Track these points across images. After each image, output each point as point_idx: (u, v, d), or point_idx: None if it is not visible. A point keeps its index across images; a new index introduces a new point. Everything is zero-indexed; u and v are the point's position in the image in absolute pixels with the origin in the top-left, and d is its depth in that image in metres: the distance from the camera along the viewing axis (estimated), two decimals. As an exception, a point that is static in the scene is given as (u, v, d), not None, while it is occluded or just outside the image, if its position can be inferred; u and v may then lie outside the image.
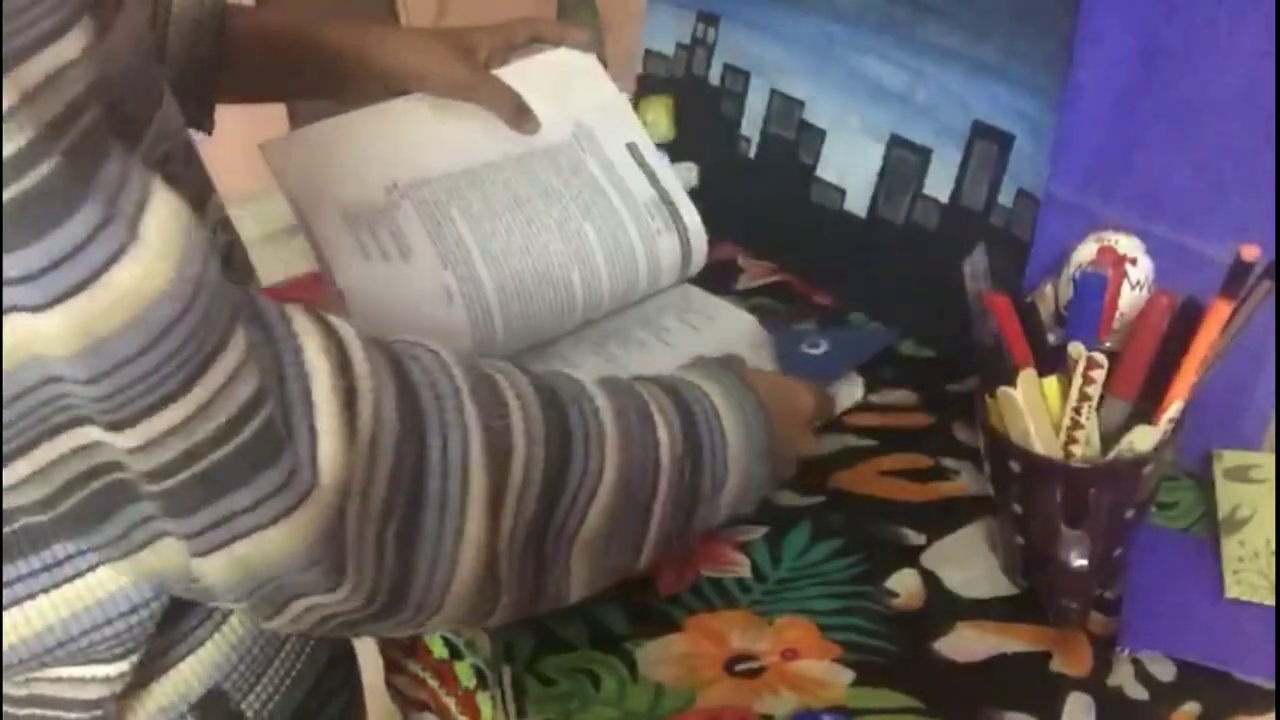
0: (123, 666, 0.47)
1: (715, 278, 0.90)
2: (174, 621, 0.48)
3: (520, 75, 0.80)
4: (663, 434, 0.53)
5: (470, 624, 0.49)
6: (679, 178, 0.85)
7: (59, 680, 0.47)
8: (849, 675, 0.58)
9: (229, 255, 0.56)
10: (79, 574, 0.45)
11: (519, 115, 0.79)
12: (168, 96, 0.47)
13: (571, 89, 0.83)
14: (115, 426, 0.35)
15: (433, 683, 0.83)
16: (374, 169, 0.75)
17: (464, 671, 0.76)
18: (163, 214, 0.35)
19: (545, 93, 0.81)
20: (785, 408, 0.61)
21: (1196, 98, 0.65)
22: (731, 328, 0.81)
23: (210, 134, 0.79)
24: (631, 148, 0.83)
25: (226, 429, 0.36)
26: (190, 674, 0.50)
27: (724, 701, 0.58)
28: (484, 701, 0.75)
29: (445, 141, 0.78)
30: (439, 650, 0.79)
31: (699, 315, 0.84)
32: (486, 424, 0.44)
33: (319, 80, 0.77)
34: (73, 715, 0.47)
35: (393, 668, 0.88)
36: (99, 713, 0.47)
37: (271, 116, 0.73)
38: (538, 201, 0.78)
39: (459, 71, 0.76)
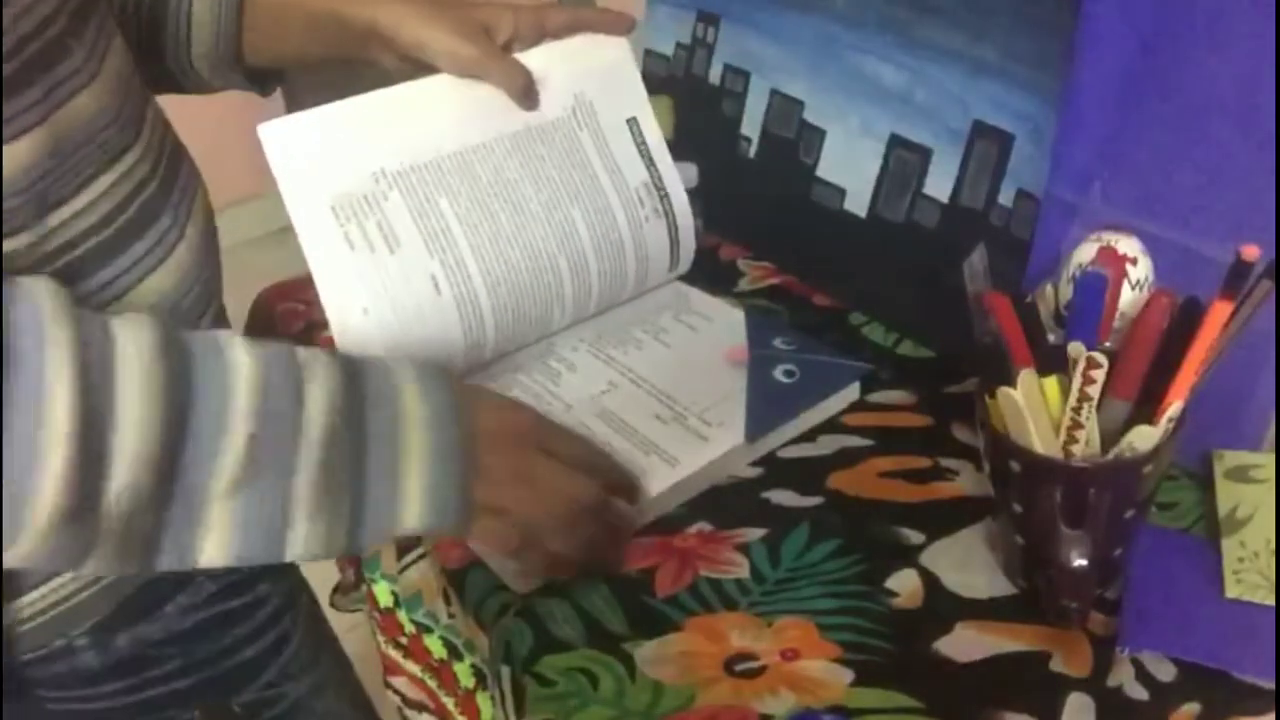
0: None
1: (715, 278, 0.90)
2: None
3: (535, 53, 0.78)
4: (314, 404, 0.50)
5: (58, 567, 0.49)
6: (680, 176, 0.85)
7: None
8: (848, 675, 0.58)
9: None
10: None
11: (526, 95, 0.77)
12: None
13: (579, 55, 0.80)
14: None
15: (432, 683, 0.83)
16: (365, 155, 0.73)
17: (463, 672, 0.76)
18: None
19: (550, 59, 0.78)
20: (503, 417, 0.58)
21: (1196, 97, 0.64)
22: (729, 329, 0.81)
23: (267, 95, 0.81)
24: (632, 124, 0.81)
25: None
26: None
27: (723, 701, 0.58)
28: (483, 702, 0.75)
29: (439, 123, 0.76)
30: (438, 651, 0.79)
31: (696, 315, 0.83)
32: (80, 361, 0.44)
33: (326, 48, 0.76)
34: None
35: (392, 669, 0.88)
36: None
37: (271, 113, 0.72)
38: (526, 186, 0.77)
39: (464, 47, 0.74)
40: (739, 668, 0.59)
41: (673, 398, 0.75)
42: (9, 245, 0.50)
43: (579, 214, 0.77)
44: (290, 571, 0.76)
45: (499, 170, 0.77)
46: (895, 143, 0.84)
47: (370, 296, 0.72)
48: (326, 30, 0.74)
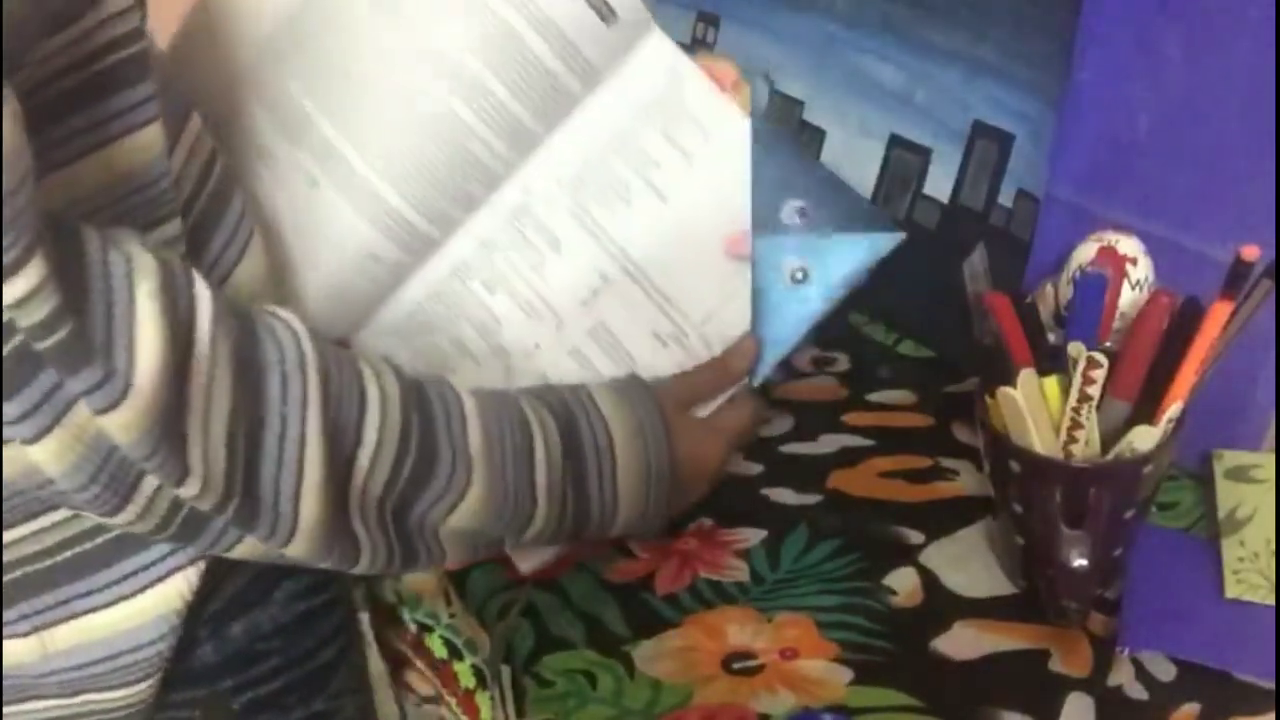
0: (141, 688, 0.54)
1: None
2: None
3: None
4: (540, 457, 0.55)
5: (339, 566, 0.52)
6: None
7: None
8: (848, 674, 0.58)
9: (207, 171, 0.57)
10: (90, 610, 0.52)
11: None
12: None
13: None
14: None
15: (435, 681, 0.83)
16: (221, 68, 0.63)
17: (464, 672, 0.76)
18: None
19: None
20: (694, 452, 0.61)
21: (1196, 98, 0.65)
22: (730, 155, 0.63)
23: None
24: None
25: (27, 343, 0.40)
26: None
27: (722, 700, 0.58)
28: (483, 702, 0.75)
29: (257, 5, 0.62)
30: (439, 650, 0.79)
31: (691, 127, 0.64)
32: (331, 409, 0.49)
33: None
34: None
35: (401, 662, 0.88)
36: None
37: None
38: (370, 23, 0.61)
39: None
40: (737, 666, 0.59)
41: (669, 298, 0.64)
42: (165, 233, 0.50)
43: (444, 29, 0.60)
44: (349, 579, 0.75)
45: (334, 19, 0.62)
46: (895, 143, 0.84)
47: (266, 218, 0.62)
48: None
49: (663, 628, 0.62)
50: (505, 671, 0.62)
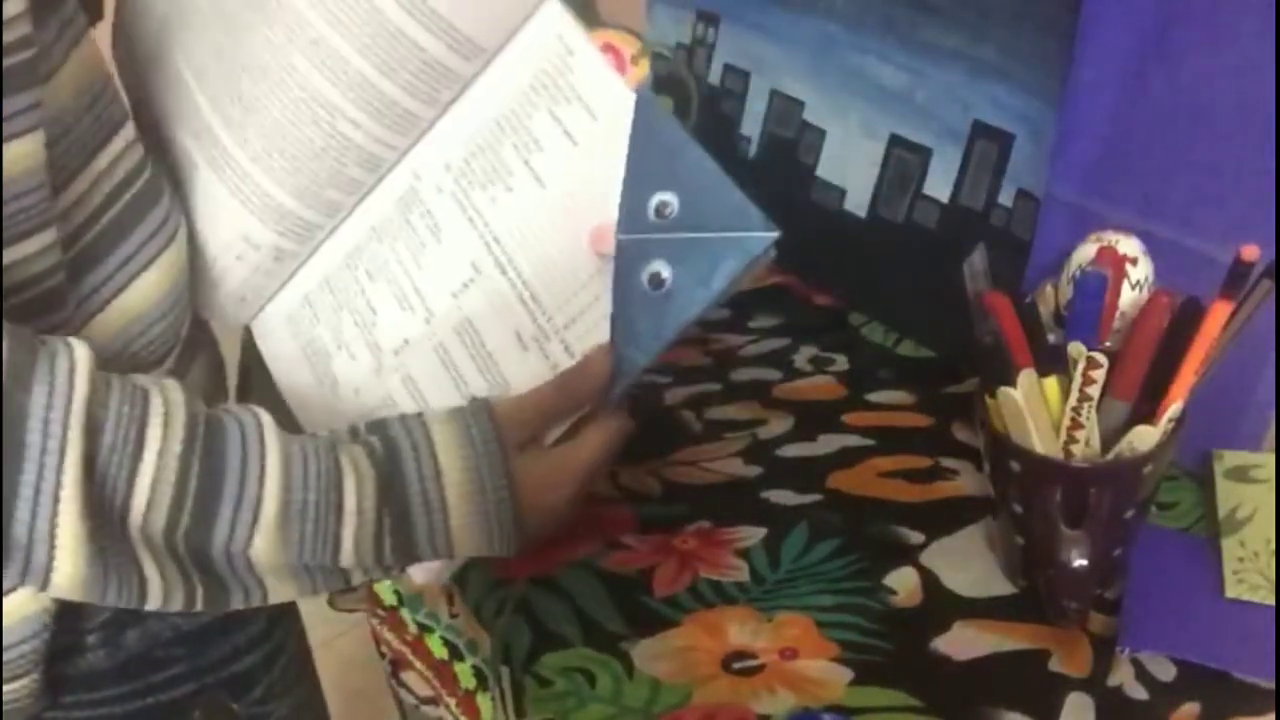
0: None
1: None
2: None
3: None
4: (349, 479, 0.53)
5: (126, 604, 0.50)
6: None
7: None
8: (847, 674, 0.58)
9: (130, 181, 0.57)
10: None
11: None
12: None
13: None
14: None
15: (435, 682, 0.83)
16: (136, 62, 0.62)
17: (464, 673, 0.76)
18: None
19: None
20: (537, 483, 0.58)
21: (1196, 98, 0.64)
22: (612, 138, 0.58)
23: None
24: None
25: None
26: None
27: (721, 700, 0.58)
28: (483, 702, 0.75)
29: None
30: (439, 651, 0.79)
31: (578, 105, 0.59)
32: (96, 458, 0.47)
33: None
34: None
35: (402, 664, 0.88)
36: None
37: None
38: (240, 17, 0.59)
39: None
40: (737, 666, 0.59)
41: (535, 296, 0.60)
42: (20, 251, 0.50)
43: (309, 13, 0.56)
44: None
45: (207, 10, 0.60)
46: (895, 143, 0.84)
47: (162, 212, 0.61)
48: None
49: (662, 627, 0.62)
50: (504, 672, 0.62)
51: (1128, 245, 0.62)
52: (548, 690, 0.59)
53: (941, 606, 0.62)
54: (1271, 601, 0.58)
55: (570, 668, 0.60)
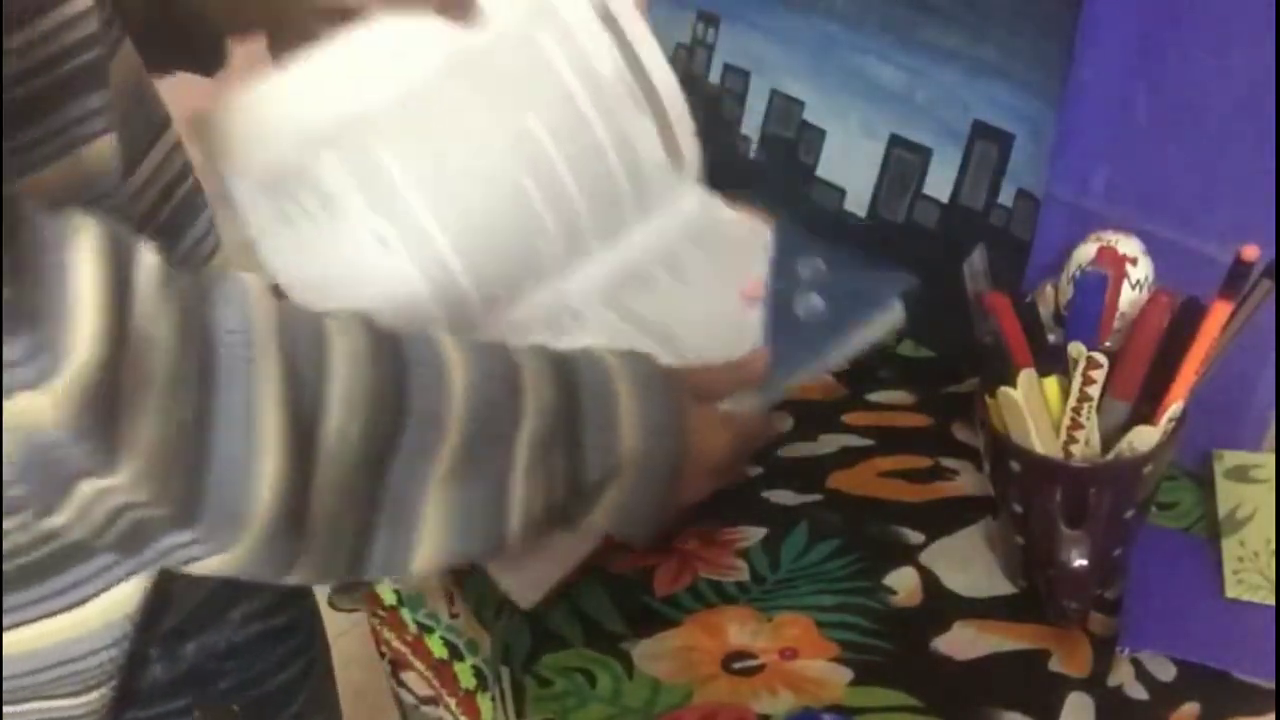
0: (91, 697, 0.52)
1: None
2: None
3: None
4: (529, 405, 0.51)
5: (268, 575, 0.47)
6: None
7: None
8: (847, 674, 0.58)
9: (178, 182, 0.56)
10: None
11: (456, 6, 0.67)
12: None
13: None
14: None
15: (435, 682, 0.83)
16: (293, 126, 0.67)
17: (464, 673, 0.76)
18: None
19: None
20: (699, 433, 0.59)
21: (1196, 98, 0.64)
22: (754, 253, 0.71)
23: (210, 75, 0.74)
24: (600, 8, 0.70)
25: None
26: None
27: (721, 700, 0.58)
28: (484, 702, 0.75)
29: (370, 72, 0.68)
30: (439, 651, 0.79)
31: (720, 238, 0.72)
32: (290, 367, 0.44)
33: (252, 14, 0.71)
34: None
35: (402, 664, 0.88)
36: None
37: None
38: (478, 112, 0.67)
39: None
40: (737, 666, 0.59)
41: (683, 355, 0.67)
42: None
43: (541, 124, 0.66)
44: (310, 595, 0.75)
45: (444, 102, 0.67)
46: (895, 143, 0.84)
47: (319, 267, 0.66)
48: None
49: (662, 627, 0.62)
50: (504, 673, 0.62)
51: (1128, 245, 0.62)
52: (548, 690, 0.59)
53: (941, 606, 0.62)
54: (1271, 601, 0.58)
55: (570, 668, 0.60)
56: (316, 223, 0.66)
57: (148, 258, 0.42)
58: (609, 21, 0.70)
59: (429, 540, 0.50)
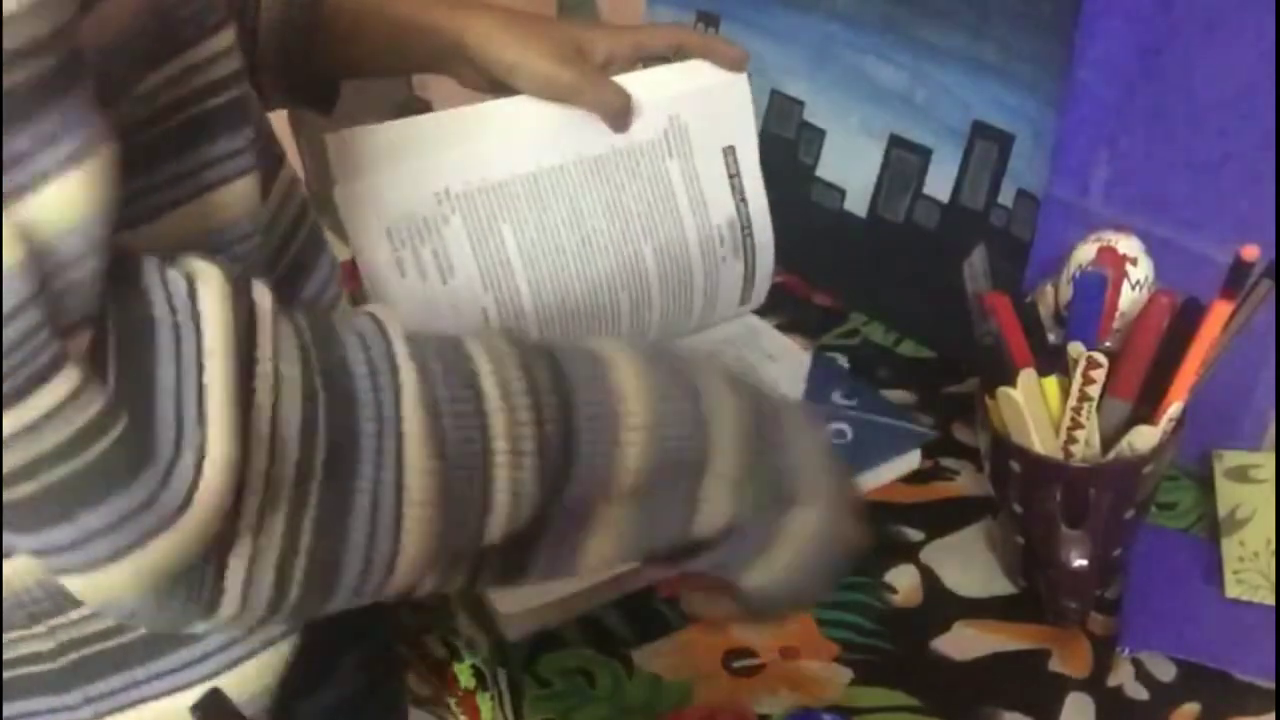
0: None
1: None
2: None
3: (635, 77, 0.72)
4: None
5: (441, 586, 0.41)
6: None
7: None
8: (847, 674, 0.58)
9: (297, 224, 0.51)
10: None
11: (621, 119, 0.71)
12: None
13: (684, 75, 0.73)
14: None
15: (434, 682, 0.83)
16: (431, 174, 0.69)
17: (463, 673, 0.76)
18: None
19: (650, 82, 0.72)
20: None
21: (1196, 98, 0.64)
22: (791, 375, 0.76)
23: (328, 113, 0.72)
24: (728, 153, 0.76)
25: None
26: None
27: (721, 699, 0.58)
28: (483, 702, 0.75)
29: (515, 143, 0.70)
30: (438, 651, 0.79)
31: (761, 354, 0.78)
32: (433, 409, 0.38)
33: (403, 60, 0.70)
34: None
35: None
36: None
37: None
38: (600, 217, 0.72)
39: (560, 73, 0.68)
40: (737, 664, 0.59)
41: None
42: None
43: (650, 250, 0.73)
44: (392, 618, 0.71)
45: (573, 197, 0.71)
46: (895, 143, 0.84)
47: (417, 321, 0.66)
48: (408, 40, 0.69)
49: (663, 627, 0.62)
50: (503, 673, 0.62)
51: (1128, 245, 0.62)
52: (547, 690, 0.59)
53: (941, 606, 0.62)
54: (1271, 601, 0.58)
55: (570, 668, 0.60)
56: (427, 282, 0.69)
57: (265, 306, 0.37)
58: (731, 168, 0.77)
59: (604, 537, 0.44)
